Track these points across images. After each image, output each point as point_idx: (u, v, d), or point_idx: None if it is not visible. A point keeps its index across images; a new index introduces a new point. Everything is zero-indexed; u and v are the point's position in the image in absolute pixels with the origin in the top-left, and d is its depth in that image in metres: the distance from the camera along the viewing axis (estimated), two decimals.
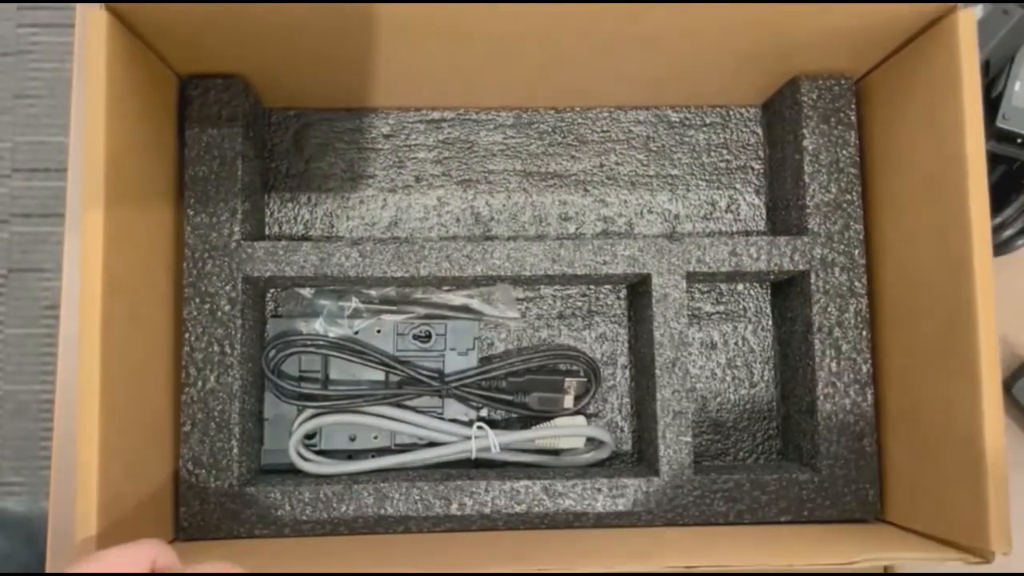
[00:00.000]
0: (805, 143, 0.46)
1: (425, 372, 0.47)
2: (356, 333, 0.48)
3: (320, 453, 0.47)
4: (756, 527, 0.45)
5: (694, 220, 0.51)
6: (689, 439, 0.45)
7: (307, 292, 0.48)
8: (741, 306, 0.51)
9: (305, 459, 0.46)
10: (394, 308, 0.48)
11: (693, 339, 0.50)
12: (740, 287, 0.51)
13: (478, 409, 0.48)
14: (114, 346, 0.37)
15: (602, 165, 0.51)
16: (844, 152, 0.46)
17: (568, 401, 0.47)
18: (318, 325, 0.47)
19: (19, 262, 1.22)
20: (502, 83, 0.48)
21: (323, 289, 0.48)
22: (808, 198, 0.46)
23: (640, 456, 0.49)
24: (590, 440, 0.48)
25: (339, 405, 0.46)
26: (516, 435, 0.47)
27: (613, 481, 0.44)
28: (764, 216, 0.51)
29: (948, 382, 0.40)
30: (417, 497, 0.44)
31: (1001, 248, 0.49)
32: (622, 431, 0.50)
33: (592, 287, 0.50)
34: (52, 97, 1.25)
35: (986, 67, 0.47)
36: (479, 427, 0.46)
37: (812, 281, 0.45)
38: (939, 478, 0.40)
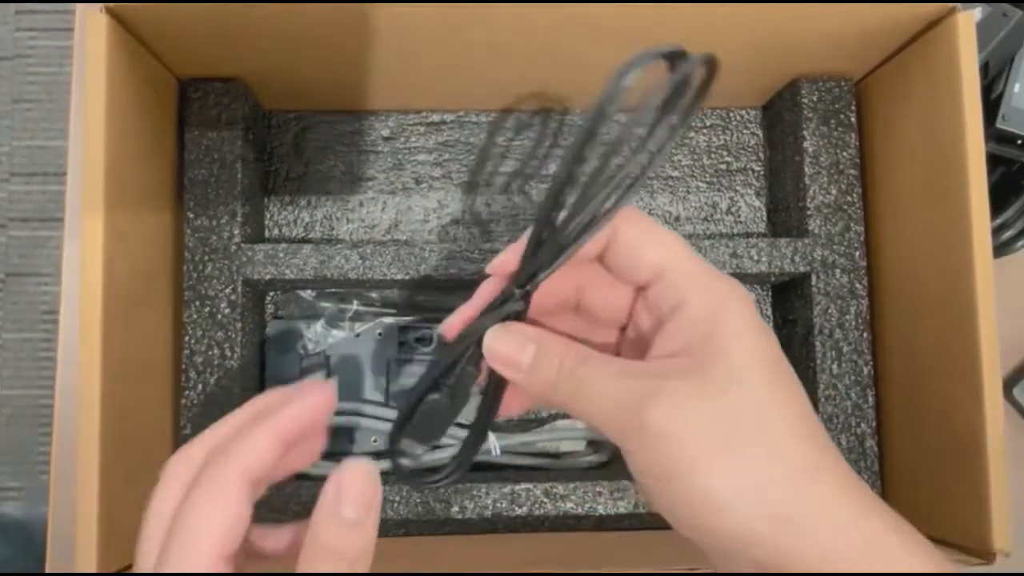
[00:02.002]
0: (805, 145, 0.46)
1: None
2: (357, 336, 0.48)
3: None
4: None
5: (694, 222, 0.51)
6: None
7: (308, 295, 0.48)
8: None
9: None
10: (395, 311, 0.48)
11: None
12: None
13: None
14: (114, 350, 0.36)
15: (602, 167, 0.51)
16: (844, 154, 0.46)
17: None
18: (319, 328, 0.47)
19: (17, 266, 1.22)
20: (502, 85, 0.48)
21: (324, 292, 0.48)
22: (808, 200, 0.46)
23: None
24: (591, 443, 0.48)
25: (339, 408, 0.46)
26: (517, 438, 0.47)
27: (614, 483, 0.44)
28: (764, 218, 0.51)
29: (949, 383, 0.40)
30: (417, 500, 0.43)
31: (1001, 249, 0.49)
32: None
33: None
34: (50, 101, 1.25)
35: (985, 69, 0.47)
36: None
37: (813, 283, 0.45)
38: (941, 479, 0.40)
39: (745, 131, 0.51)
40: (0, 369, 1.21)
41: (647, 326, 0.30)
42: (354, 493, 0.25)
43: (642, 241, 0.29)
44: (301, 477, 0.46)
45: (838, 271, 0.46)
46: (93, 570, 0.35)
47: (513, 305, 0.29)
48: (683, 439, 0.25)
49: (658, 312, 0.29)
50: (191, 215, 0.44)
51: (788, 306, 0.49)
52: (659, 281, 0.28)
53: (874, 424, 0.45)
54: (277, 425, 0.27)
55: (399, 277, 0.45)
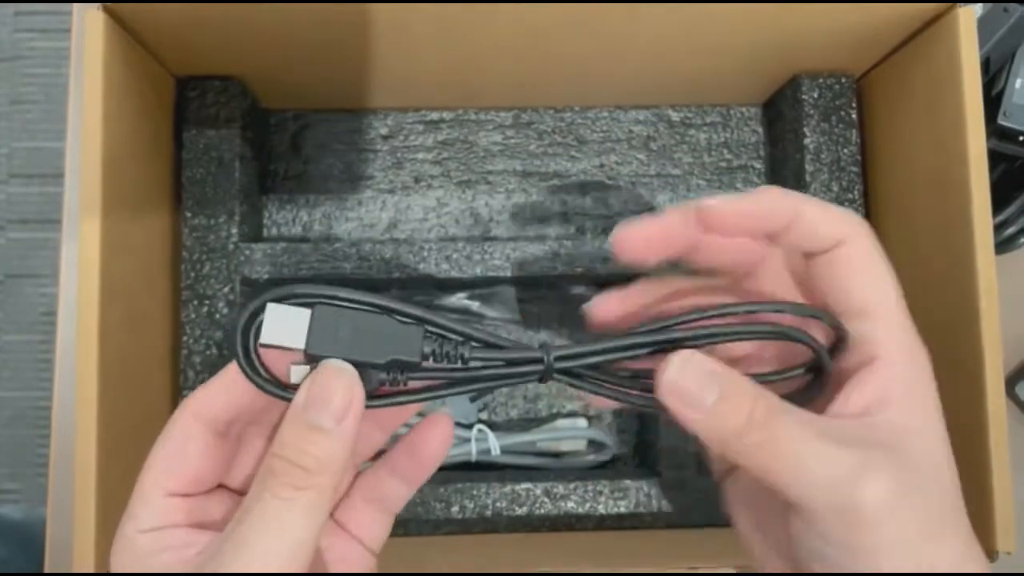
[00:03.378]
0: (806, 142, 0.46)
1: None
2: None
3: None
4: None
5: None
6: (691, 440, 0.44)
7: None
8: None
9: None
10: None
11: None
12: None
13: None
14: (112, 350, 0.36)
15: (602, 165, 0.51)
16: (845, 150, 0.46)
17: None
18: None
19: (16, 268, 1.22)
20: (501, 83, 0.47)
21: None
22: None
23: (642, 458, 0.49)
24: (591, 442, 0.48)
25: None
26: (517, 437, 0.46)
27: (615, 483, 0.44)
28: None
29: (951, 381, 0.39)
30: (417, 500, 0.43)
31: (1003, 246, 0.49)
32: (624, 433, 0.49)
33: (594, 287, 0.50)
34: (49, 102, 1.24)
35: (986, 65, 0.46)
36: (480, 430, 0.46)
37: None
38: None
39: (746, 128, 0.51)
40: None
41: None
42: (324, 397, 0.24)
43: (861, 271, 0.27)
44: None
45: None
46: (91, 570, 0.34)
47: (529, 376, 0.26)
48: (896, 520, 0.24)
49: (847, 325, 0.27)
50: (189, 214, 0.44)
51: None
52: (859, 322, 0.26)
53: None
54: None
55: (397, 276, 0.44)
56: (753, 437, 0.24)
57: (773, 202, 0.26)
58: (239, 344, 0.25)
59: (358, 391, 0.24)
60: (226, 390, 0.26)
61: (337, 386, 0.24)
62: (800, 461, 0.24)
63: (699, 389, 0.25)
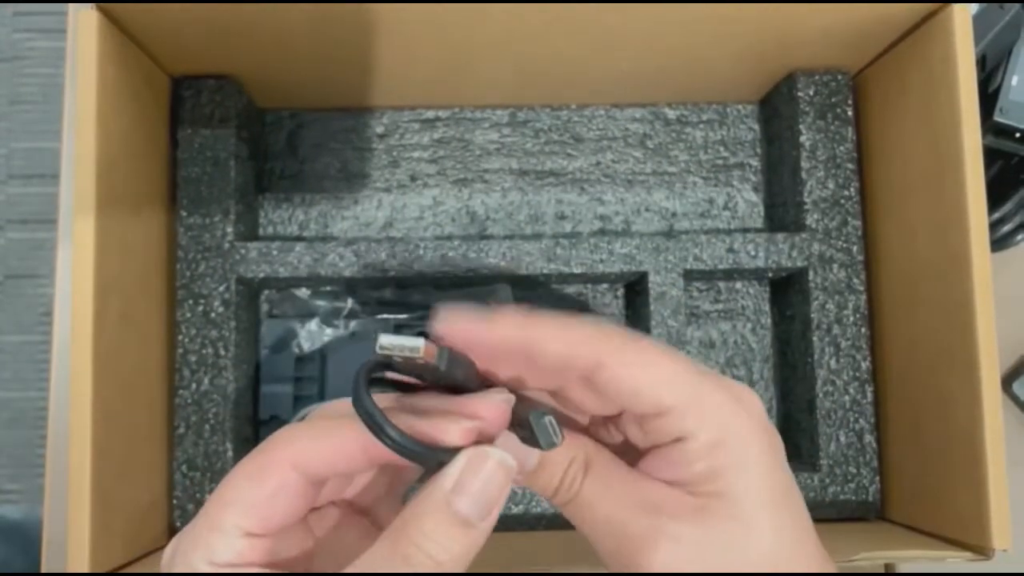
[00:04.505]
0: (802, 139, 0.46)
1: None
2: (352, 335, 0.47)
3: None
4: None
5: (691, 217, 0.51)
6: None
7: (302, 293, 0.48)
8: (739, 304, 0.50)
9: None
10: (390, 309, 0.48)
11: (691, 338, 0.50)
12: (738, 285, 0.50)
13: None
14: (107, 349, 0.36)
15: (598, 163, 0.51)
16: (841, 148, 0.46)
17: None
18: (313, 326, 0.47)
19: (15, 269, 1.22)
20: (497, 81, 0.47)
21: (318, 290, 0.48)
22: (806, 194, 0.46)
23: None
24: None
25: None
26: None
27: None
28: (762, 213, 0.51)
29: (947, 379, 0.39)
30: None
31: (999, 243, 0.49)
32: None
33: (589, 286, 0.50)
34: (47, 103, 1.24)
35: (982, 62, 0.46)
36: None
37: (810, 278, 0.45)
38: (939, 475, 0.40)
39: (742, 126, 0.51)
40: (0, 371, 1.21)
41: (637, 435, 0.26)
42: (477, 489, 0.22)
43: (637, 374, 0.24)
44: None
45: (836, 266, 0.45)
46: (85, 570, 0.34)
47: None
48: None
49: (654, 437, 0.25)
50: (184, 213, 0.44)
51: (786, 301, 0.48)
52: (658, 417, 0.25)
53: (873, 420, 0.45)
54: (368, 443, 0.23)
55: (394, 275, 0.44)
56: (564, 496, 0.26)
57: (510, 342, 0.24)
58: (388, 429, 0.22)
59: (508, 482, 0.23)
60: (345, 455, 0.24)
61: (495, 474, 0.22)
62: (597, 521, 0.25)
63: (521, 456, 0.25)
